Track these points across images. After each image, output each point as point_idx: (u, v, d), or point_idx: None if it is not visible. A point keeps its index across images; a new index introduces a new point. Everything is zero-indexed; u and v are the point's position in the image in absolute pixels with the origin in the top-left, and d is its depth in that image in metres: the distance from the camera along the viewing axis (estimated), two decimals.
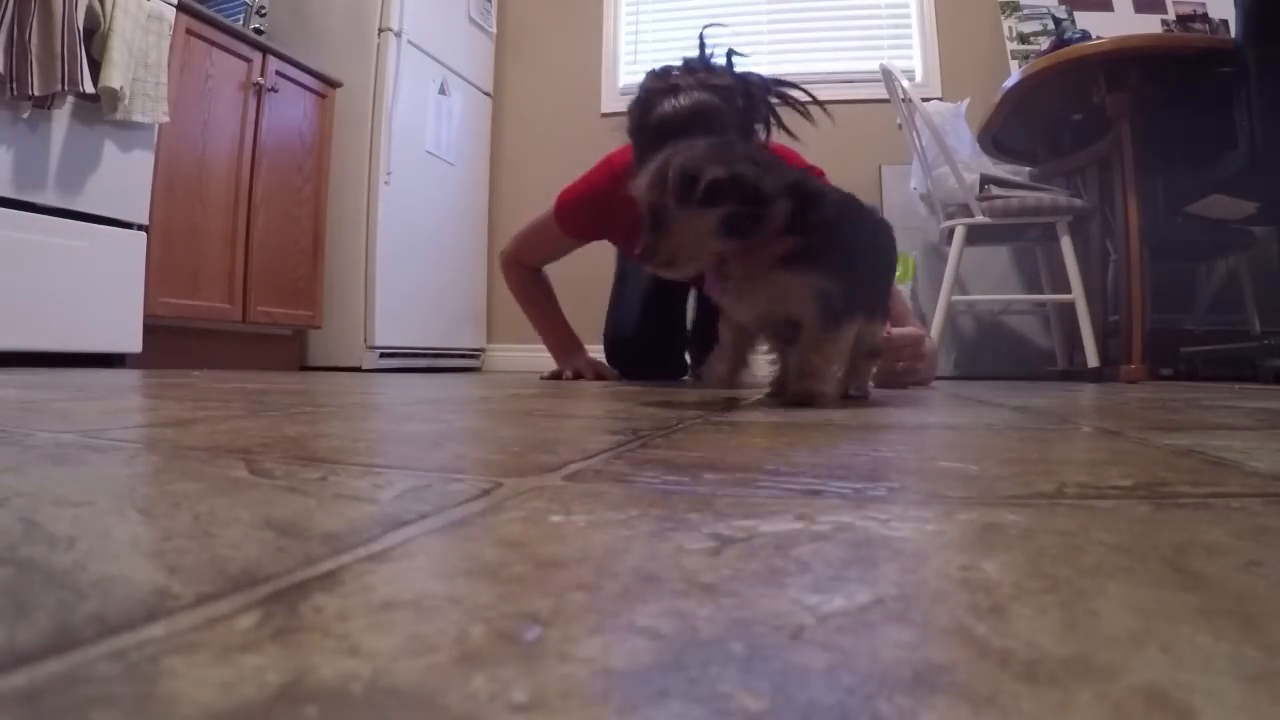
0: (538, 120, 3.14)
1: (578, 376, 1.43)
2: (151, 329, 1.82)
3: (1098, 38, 1.99)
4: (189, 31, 1.92)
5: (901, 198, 2.57)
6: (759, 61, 2.96)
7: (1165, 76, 1.86)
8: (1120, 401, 0.93)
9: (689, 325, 1.63)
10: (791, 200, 0.70)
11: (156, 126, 1.80)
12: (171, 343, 1.93)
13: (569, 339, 1.58)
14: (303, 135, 2.31)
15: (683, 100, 1.04)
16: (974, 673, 0.12)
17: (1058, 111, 2.12)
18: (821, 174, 1.03)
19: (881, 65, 2.09)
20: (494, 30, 3.07)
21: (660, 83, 1.08)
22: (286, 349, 2.35)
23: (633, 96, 1.12)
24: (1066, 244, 1.95)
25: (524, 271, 1.57)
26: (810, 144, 1.23)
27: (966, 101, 2.23)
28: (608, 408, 0.68)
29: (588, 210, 1.39)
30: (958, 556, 0.19)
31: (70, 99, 1.62)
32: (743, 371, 0.83)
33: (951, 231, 2.03)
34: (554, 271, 1.63)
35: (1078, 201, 2.00)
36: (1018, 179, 2.12)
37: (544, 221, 1.48)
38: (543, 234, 1.48)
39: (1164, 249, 2.07)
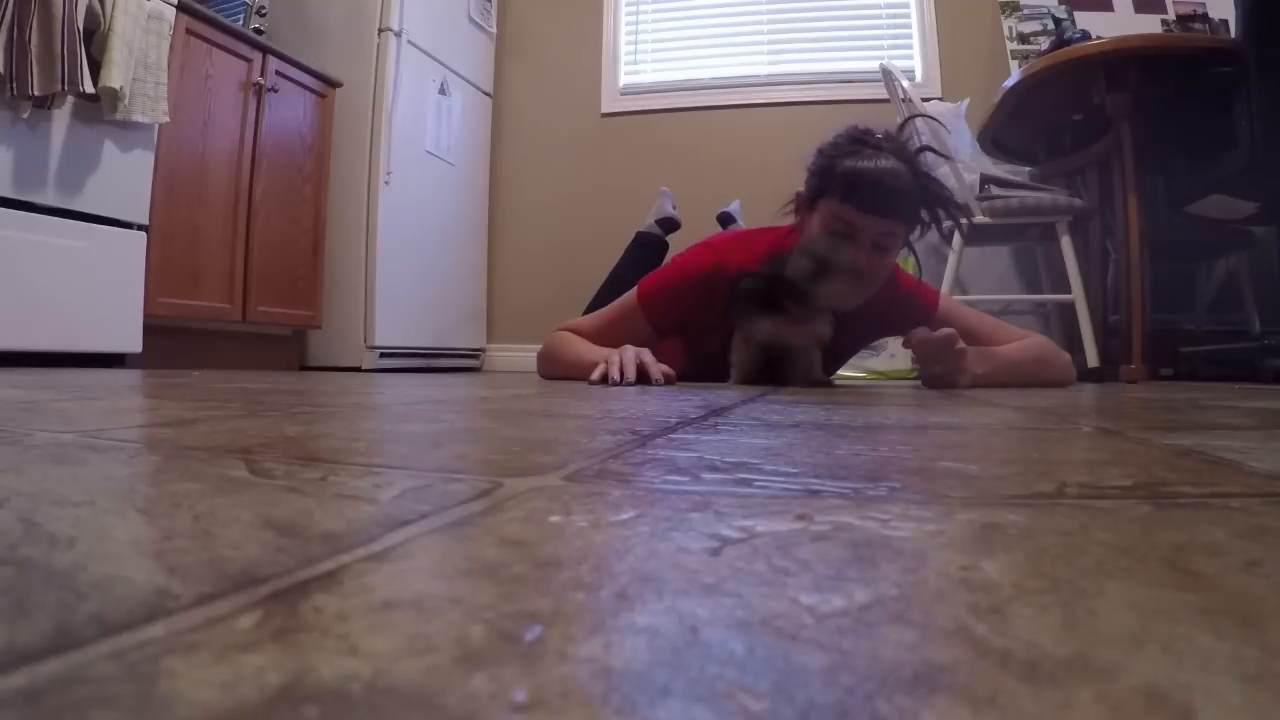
0: (538, 120, 3.14)
1: (622, 379, 1.16)
2: (151, 329, 1.82)
3: (1098, 38, 1.99)
4: (189, 31, 1.92)
5: None
6: (758, 61, 2.99)
7: (1165, 76, 1.86)
8: (1120, 401, 0.93)
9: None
10: None
11: (156, 126, 1.81)
12: (171, 343, 1.93)
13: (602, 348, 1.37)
14: (303, 135, 2.31)
15: (881, 162, 1.16)
16: (974, 673, 0.12)
17: (1058, 111, 2.12)
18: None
19: (881, 65, 2.09)
20: (494, 30, 3.07)
21: (860, 139, 1.20)
22: (286, 349, 2.35)
23: (827, 141, 1.24)
24: (1066, 244, 1.95)
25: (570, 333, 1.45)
26: (812, 144, 1.27)
27: (966, 101, 2.24)
28: (608, 408, 0.68)
29: (672, 297, 1.33)
30: (958, 556, 0.19)
31: (70, 99, 1.62)
32: None
33: (952, 231, 2.03)
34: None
35: (1078, 201, 2.00)
36: (1018, 179, 2.12)
37: (623, 310, 1.39)
38: (621, 323, 1.37)
39: (1164, 249, 2.07)
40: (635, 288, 1.38)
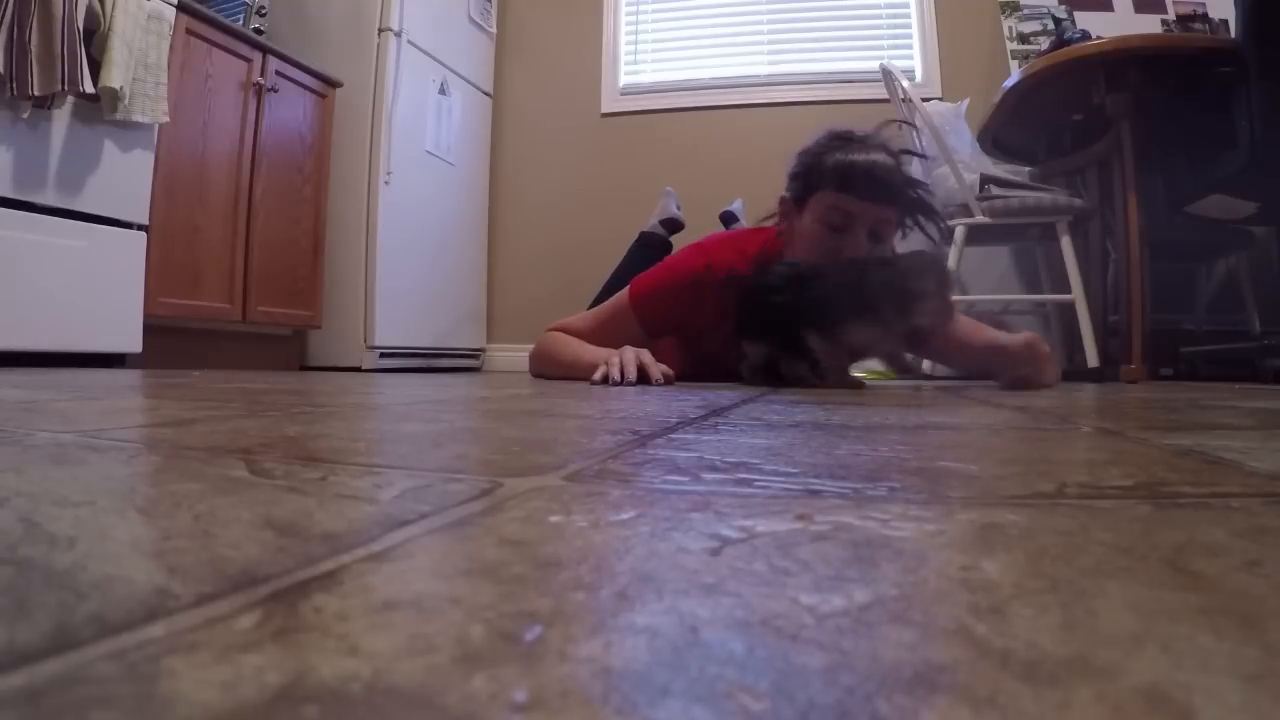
0: (538, 120, 3.14)
1: (623, 379, 1.15)
2: (151, 329, 1.82)
3: (1098, 38, 1.99)
4: (189, 31, 1.92)
5: None
6: (758, 61, 2.99)
7: (1165, 76, 1.86)
8: (1120, 401, 0.93)
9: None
10: None
11: (156, 126, 1.81)
12: (171, 343, 1.93)
13: (601, 348, 1.34)
14: (303, 135, 2.31)
15: (870, 154, 1.21)
16: (974, 673, 0.12)
17: (1058, 111, 2.12)
18: None
19: (881, 65, 2.09)
20: (494, 30, 3.07)
21: (844, 136, 1.25)
22: (286, 349, 2.35)
23: (807, 146, 1.28)
24: (1066, 244, 1.95)
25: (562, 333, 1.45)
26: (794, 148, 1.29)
27: (966, 101, 2.23)
28: (607, 408, 0.68)
29: (664, 299, 1.33)
30: (958, 556, 0.19)
31: (70, 99, 1.62)
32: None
33: (952, 231, 2.03)
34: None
35: (1078, 201, 2.00)
36: (1018, 179, 2.12)
37: (615, 310, 1.39)
38: (613, 324, 1.37)
39: (1164, 249, 2.07)
40: (627, 288, 1.38)
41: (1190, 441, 0.45)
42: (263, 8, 2.39)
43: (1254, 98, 1.69)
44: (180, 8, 1.85)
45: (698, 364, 1.38)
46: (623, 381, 1.13)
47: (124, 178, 1.75)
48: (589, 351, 1.32)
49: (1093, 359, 1.92)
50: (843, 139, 1.25)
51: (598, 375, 1.16)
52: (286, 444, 0.39)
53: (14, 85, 1.49)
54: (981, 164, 2.10)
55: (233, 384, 1.06)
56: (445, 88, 2.75)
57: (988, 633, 0.14)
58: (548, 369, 1.42)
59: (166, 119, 1.79)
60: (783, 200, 1.31)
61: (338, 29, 2.49)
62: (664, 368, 1.17)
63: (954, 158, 1.96)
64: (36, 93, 1.51)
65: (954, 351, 1.29)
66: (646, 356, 1.18)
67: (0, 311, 1.53)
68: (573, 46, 3.14)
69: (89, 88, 1.59)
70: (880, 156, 1.22)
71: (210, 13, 2.02)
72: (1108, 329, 2.06)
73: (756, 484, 0.29)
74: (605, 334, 1.35)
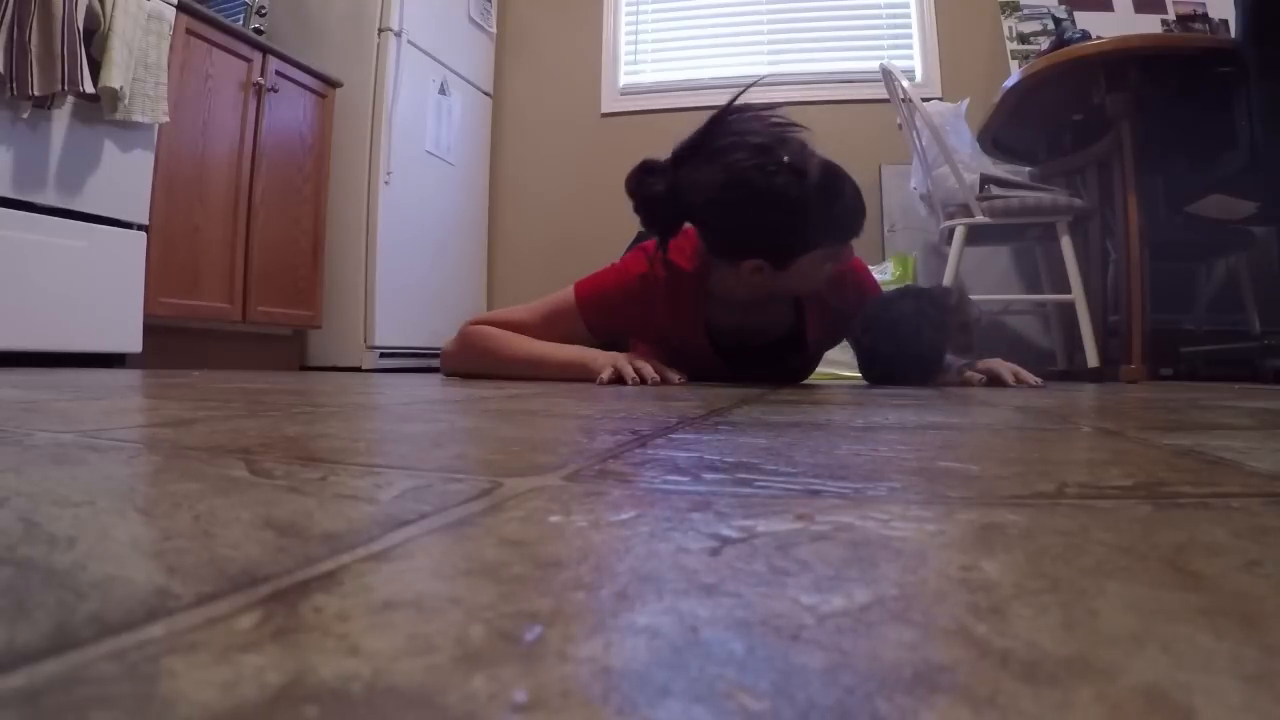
0: (538, 120, 3.14)
1: (619, 379, 1.14)
2: (151, 329, 1.82)
3: (1098, 38, 1.99)
4: (189, 31, 1.92)
5: (901, 198, 2.57)
6: (758, 61, 2.99)
7: (1165, 76, 1.86)
8: (1120, 401, 0.93)
9: None
10: None
11: (156, 126, 1.80)
12: (171, 343, 1.93)
13: (584, 347, 1.29)
14: (303, 135, 2.31)
15: (840, 184, 1.17)
16: (974, 673, 0.12)
17: (1058, 111, 2.12)
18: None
19: (881, 65, 2.09)
20: (494, 30, 3.07)
21: (788, 180, 1.14)
22: (286, 349, 2.35)
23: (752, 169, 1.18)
24: (1066, 244, 1.95)
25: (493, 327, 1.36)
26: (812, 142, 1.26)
27: (966, 101, 2.23)
28: (607, 408, 0.68)
29: (613, 304, 1.29)
30: (958, 556, 0.19)
31: (70, 99, 1.62)
32: None
33: (951, 231, 2.03)
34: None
35: (1078, 201, 2.00)
36: (1018, 179, 2.12)
37: (560, 309, 1.32)
38: (558, 321, 1.31)
39: (1164, 249, 2.07)
40: (572, 287, 1.32)
41: (1190, 441, 0.45)
42: (263, 8, 2.39)
43: (1254, 98, 1.69)
44: (180, 8, 1.85)
45: (677, 359, 1.38)
46: (644, 382, 1.12)
47: (124, 178, 1.75)
48: (561, 350, 1.26)
49: (1093, 359, 1.92)
50: (789, 180, 1.13)
51: (606, 375, 1.14)
52: (286, 444, 0.39)
53: (14, 85, 1.49)
54: (981, 164, 2.10)
55: (233, 384, 1.06)
56: (445, 88, 2.75)
57: (988, 633, 0.14)
58: (486, 364, 1.32)
59: (166, 119, 1.79)
60: (760, 269, 1.18)
61: (338, 29, 2.49)
62: (676, 372, 1.18)
63: (954, 158, 1.96)
64: (36, 93, 1.51)
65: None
66: (654, 363, 1.19)
67: (0, 311, 1.53)
68: (573, 46, 3.14)
69: (89, 88, 1.59)
70: (841, 182, 1.17)
71: (210, 13, 2.02)
72: (1108, 329, 2.06)
73: (756, 484, 0.29)
74: (550, 332, 1.29)
